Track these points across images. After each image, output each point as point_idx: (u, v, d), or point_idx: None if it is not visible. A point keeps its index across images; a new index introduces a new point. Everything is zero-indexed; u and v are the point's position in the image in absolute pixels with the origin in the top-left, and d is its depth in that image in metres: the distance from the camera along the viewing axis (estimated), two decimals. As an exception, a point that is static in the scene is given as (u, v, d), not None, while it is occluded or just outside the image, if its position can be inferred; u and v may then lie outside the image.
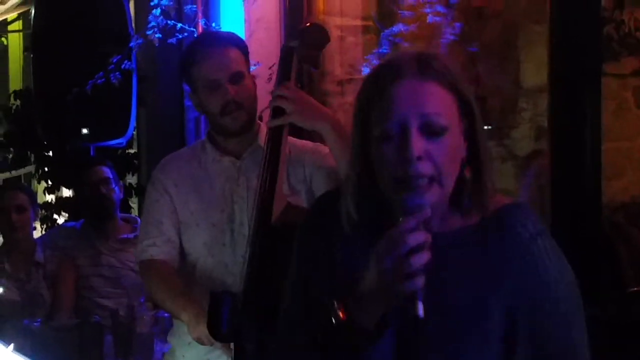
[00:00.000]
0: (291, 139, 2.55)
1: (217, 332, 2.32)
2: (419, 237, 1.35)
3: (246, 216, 2.53)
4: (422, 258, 1.35)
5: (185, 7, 3.99)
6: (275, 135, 2.45)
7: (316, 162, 2.58)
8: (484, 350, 1.49)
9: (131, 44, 3.94)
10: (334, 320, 1.42)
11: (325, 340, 1.44)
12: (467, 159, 1.50)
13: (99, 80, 3.99)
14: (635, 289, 3.40)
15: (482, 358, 1.49)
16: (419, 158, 1.42)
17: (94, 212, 4.19)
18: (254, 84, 2.64)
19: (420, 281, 1.34)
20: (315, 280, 1.57)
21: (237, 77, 2.56)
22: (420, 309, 1.34)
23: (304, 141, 2.67)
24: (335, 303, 1.43)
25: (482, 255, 1.50)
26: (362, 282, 1.41)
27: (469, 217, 1.53)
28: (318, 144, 2.65)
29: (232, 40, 2.68)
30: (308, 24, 2.67)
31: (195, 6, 4.01)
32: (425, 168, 1.43)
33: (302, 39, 2.51)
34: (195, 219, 2.61)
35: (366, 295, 1.40)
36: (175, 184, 2.65)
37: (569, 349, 1.52)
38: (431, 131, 1.44)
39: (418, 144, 1.42)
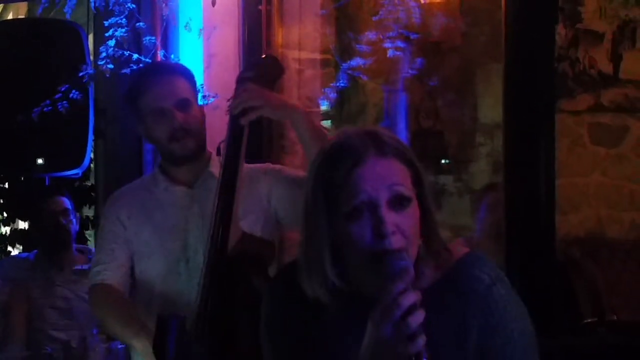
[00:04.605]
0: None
1: (163, 356, 2.29)
2: (411, 297, 1.39)
3: (201, 244, 2.51)
4: (419, 317, 1.39)
5: (144, 39, 3.98)
6: (231, 162, 2.44)
7: (272, 177, 2.59)
8: None
9: (81, 74, 3.92)
10: None
11: None
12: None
13: (45, 108, 3.95)
14: (590, 320, 3.43)
15: None
16: (393, 233, 1.47)
17: (50, 243, 4.15)
18: (202, 112, 2.64)
19: (422, 340, 1.38)
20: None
21: (184, 104, 2.56)
22: None
23: (254, 164, 2.66)
24: None
25: (446, 307, 1.55)
26: (363, 349, 1.43)
27: (430, 275, 1.57)
28: (267, 163, 2.67)
29: (178, 69, 2.71)
30: (263, 56, 2.70)
31: (154, 38, 4.00)
32: (398, 242, 1.48)
33: (257, 71, 2.52)
34: (149, 250, 2.60)
35: None
36: (128, 216, 2.63)
37: None
38: (398, 204, 1.49)
39: (390, 218, 1.47)
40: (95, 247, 2.72)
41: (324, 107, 4.58)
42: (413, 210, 1.51)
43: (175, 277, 2.56)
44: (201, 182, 2.61)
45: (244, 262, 2.37)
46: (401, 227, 1.48)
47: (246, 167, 2.58)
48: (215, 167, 2.58)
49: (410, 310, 1.38)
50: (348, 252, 1.51)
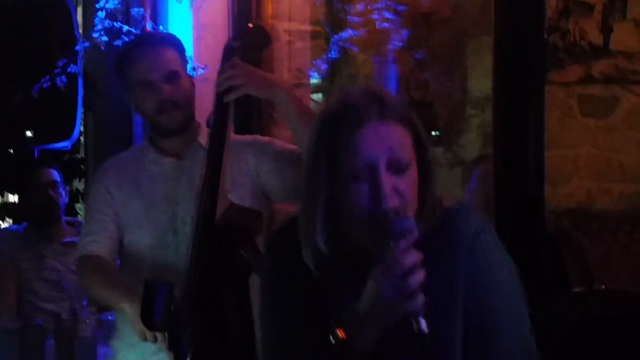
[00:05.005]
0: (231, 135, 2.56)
1: (150, 322, 2.30)
2: (413, 257, 1.42)
3: (189, 215, 2.51)
4: (419, 277, 1.41)
5: (132, 10, 3.96)
6: (217, 135, 2.45)
7: (260, 150, 2.60)
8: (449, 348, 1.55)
9: (77, 48, 3.90)
10: (334, 342, 1.47)
11: None
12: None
13: (45, 84, 3.94)
14: (579, 290, 3.45)
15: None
16: (390, 195, 1.49)
17: (39, 216, 4.14)
18: (192, 83, 2.64)
19: (420, 300, 1.41)
20: (298, 314, 1.60)
21: (172, 76, 2.56)
22: (424, 325, 1.40)
23: (241, 136, 2.67)
24: (335, 325, 1.48)
25: (435, 259, 1.54)
26: (360, 305, 1.47)
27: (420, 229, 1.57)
28: (256, 136, 2.69)
29: (168, 40, 2.70)
30: (250, 25, 2.69)
31: (142, 9, 3.98)
32: (395, 203, 1.50)
33: (243, 40, 2.52)
34: (137, 221, 2.60)
35: (367, 318, 1.46)
36: (117, 187, 2.64)
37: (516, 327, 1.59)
38: (397, 167, 1.51)
39: (388, 181, 1.49)
40: (85, 218, 2.74)
41: (315, 79, 4.57)
42: (412, 173, 1.53)
43: (163, 248, 2.57)
44: (190, 154, 2.61)
45: (231, 232, 2.38)
46: (399, 190, 1.51)
47: (234, 140, 2.58)
48: (204, 138, 2.58)
49: (412, 269, 1.41)
50: (348, 211, 1.53)
